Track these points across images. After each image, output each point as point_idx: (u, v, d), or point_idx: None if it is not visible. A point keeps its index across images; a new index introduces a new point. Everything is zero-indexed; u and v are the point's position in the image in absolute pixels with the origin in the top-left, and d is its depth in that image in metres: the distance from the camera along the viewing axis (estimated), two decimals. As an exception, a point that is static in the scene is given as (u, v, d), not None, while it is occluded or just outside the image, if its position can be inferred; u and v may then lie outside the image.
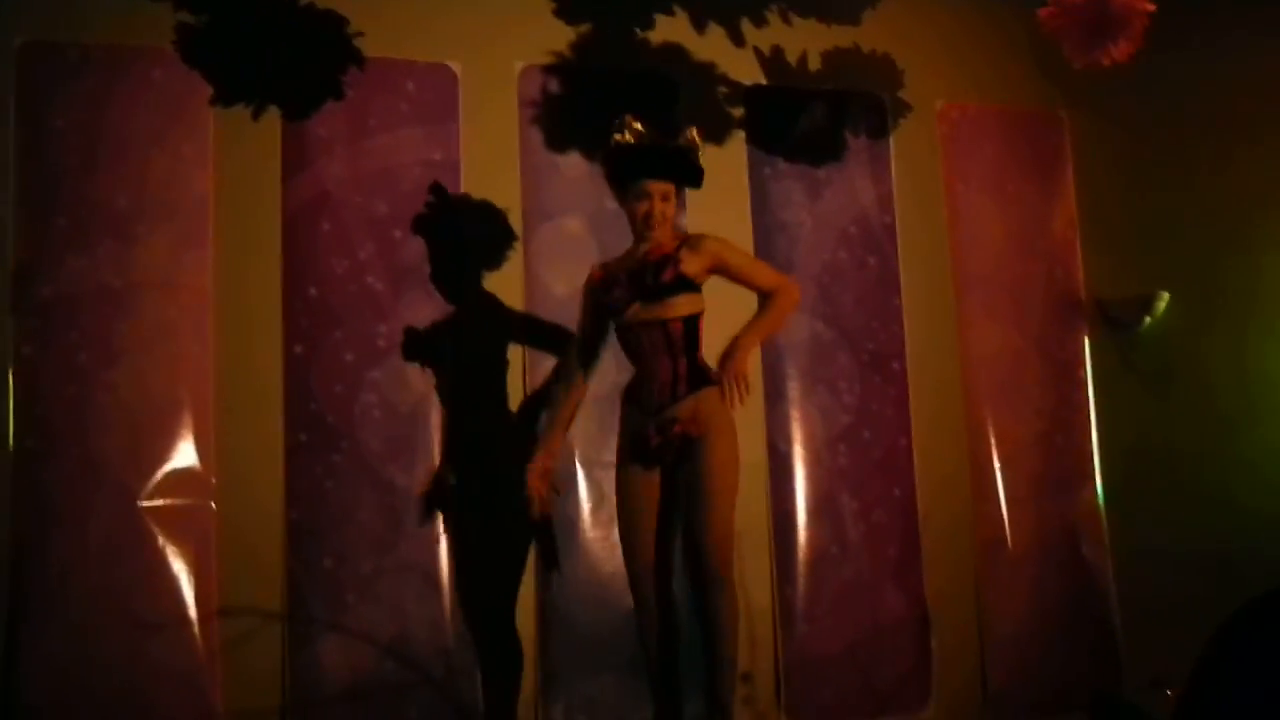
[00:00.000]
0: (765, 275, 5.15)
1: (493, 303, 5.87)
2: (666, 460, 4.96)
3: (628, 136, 4.96)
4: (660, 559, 5.04)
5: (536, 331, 5.46)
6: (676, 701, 5.10)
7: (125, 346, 5.36)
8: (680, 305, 4.97)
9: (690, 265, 4.93)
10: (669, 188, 5.03)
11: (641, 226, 5.01)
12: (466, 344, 5.78)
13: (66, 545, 5.22)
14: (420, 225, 5.50)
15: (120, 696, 5.20)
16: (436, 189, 5.49)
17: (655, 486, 5.03)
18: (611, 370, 5.66)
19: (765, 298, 5.06)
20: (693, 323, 4.99)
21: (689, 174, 5.10)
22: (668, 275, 4.92)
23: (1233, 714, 3.47)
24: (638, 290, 4.96)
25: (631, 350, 5.05)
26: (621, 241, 5.60)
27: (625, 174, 5.01)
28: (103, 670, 5.19)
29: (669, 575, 5.07)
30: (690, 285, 4.97)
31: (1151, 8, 5.35)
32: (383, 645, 5.56)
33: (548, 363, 5.86)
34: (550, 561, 5.81)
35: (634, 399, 5.06)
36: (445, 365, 5.29)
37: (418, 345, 5.43)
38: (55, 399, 5.29)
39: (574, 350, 5.28)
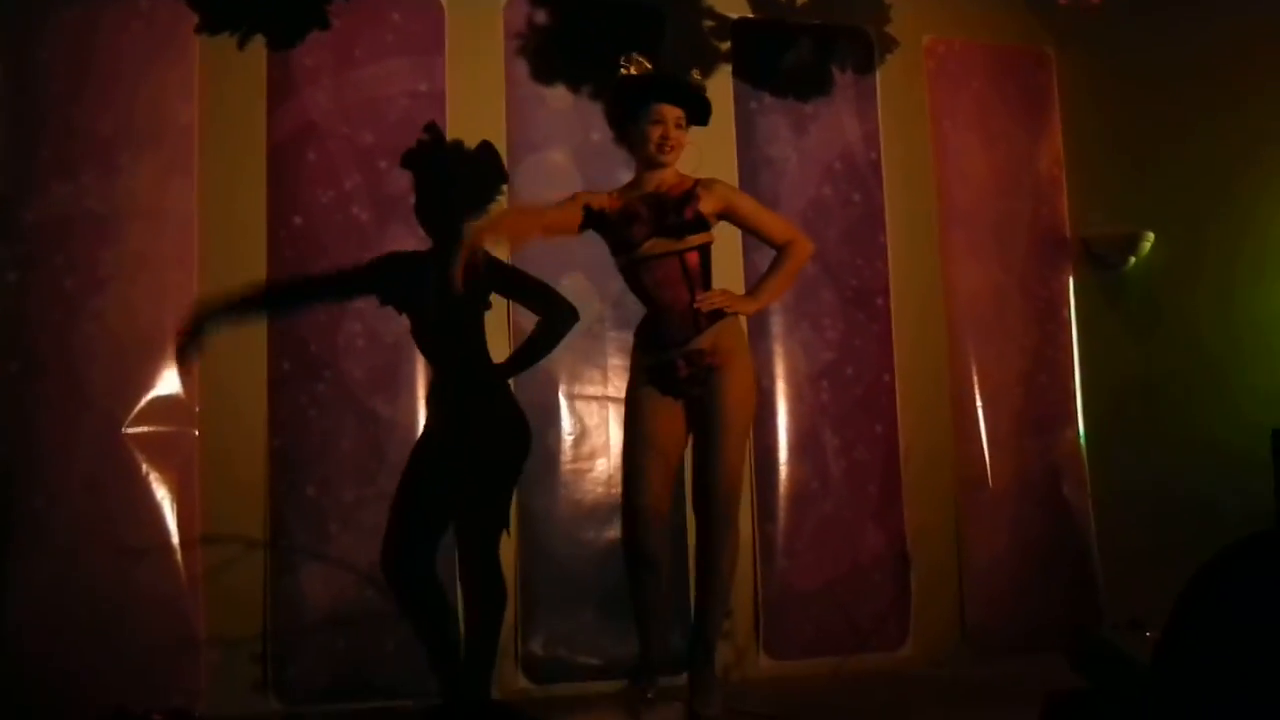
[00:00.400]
0: (778, 226, 5.12)
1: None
2: (694, 393, 4.84)
3: (634, 69, 4.92)
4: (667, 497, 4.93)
5: (519, 284, 5.25)
6: (665, 642, 5.07)
7: (111, 273, 5.38)
8: (694, 237, 4.87)
9: (705, 205, 4.87)
10: (681, 114, 4.91)
11: (654, 152, 4.87)
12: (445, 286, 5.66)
13: (51, 470, 5.27)
14: (408, 160, 5.35)
15: (103, 620, 5.24)
16: (430, 127, 5.34)
17: (680, 420, 4.90)
18: (595, 303, 5.72)
19: (779, 250, 5.03)
20: (706, 252, 4.92)
21: (698, 108, 5.00)
22: (690, 212, 4.84)
23: (1212, 657, 3.49)
24: (658, 227, 4.84)
25: (644, 284, 4.89)
26: (606, 175, 5.62)
27: (637, 100, 4.89)
28: (86, 594, 5.23)
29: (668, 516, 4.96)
30: (706, 225, 4.90)
31: (1141, -58, 5.36)
32: (363, 574, 5.56)
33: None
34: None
35: (651, 335, 4.92)
36: (423, 307, 5.11)
37: (393, 287, 5.23)
38: (41, 325, 5.32)
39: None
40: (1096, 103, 7.05)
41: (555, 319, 5.14)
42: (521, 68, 6.11)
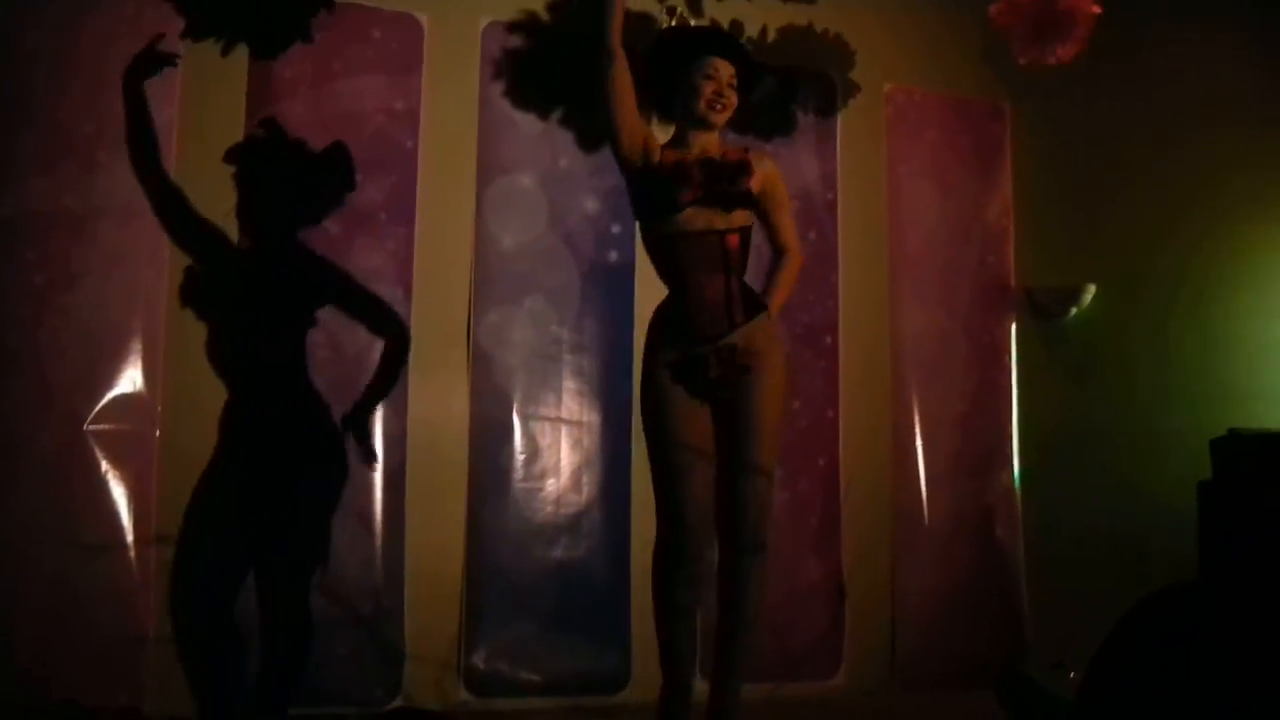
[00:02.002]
0: (791, 231, 4.92)
1: (304, 254, 5.53)
2: (723, 396, 4.52)
3: (676, 21, 4.82)
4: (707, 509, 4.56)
5: (350, 296, 5.23)
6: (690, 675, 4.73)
7: (82, 270, 5.38)
8: (739, 216, 4.60)
9: (754, 182, 4.64)
10: (734, 73, 4.65)
11: (704, 109, 4.60)
12: (262, 293, 5.32)
13: (12, 463, 5.26)
14: (232, 155, 5.30)
15: (55, 614, 5.24)
16: (266, 122, 5.27)
17: (708, 423, 4.55)
18: (553, 325, 5.82)
19: (779, 253, 4.88)
20: (747, 236, 4.65)
21: (748, 73, 4.74)
22: (746, 185, 4.59)
23: (1130, 700, 3.65)
24: (709, 193, 4.54)
25: (677, 262, 4.56)
26: (574, 202, 5.75)
27: (686, 54, 4.62)
28: (39, 587, 5.23)
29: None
30: (754, 202, 4.66)
31: (1098, 10, 5.52)
32: (314, 582, 5.54)
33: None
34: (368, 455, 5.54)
35: (675, 324, 4.58)
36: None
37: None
38: (9, 319, 5.32)
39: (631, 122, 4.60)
40: (1046, 157, 7.22)
41: (395, 345, 5.23)
42: (496, 90, 6.18)
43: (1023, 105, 7.22)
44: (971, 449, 6.99)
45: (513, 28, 6.22)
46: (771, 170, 4.75)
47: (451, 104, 6.09)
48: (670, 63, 4.68)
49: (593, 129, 5.93)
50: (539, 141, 6.18)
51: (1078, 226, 7.13)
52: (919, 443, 6.88)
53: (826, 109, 6.83)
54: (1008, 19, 5.66)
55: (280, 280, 4.81)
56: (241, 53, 5.76)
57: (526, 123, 6.20)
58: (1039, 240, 7.18)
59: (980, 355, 7.07)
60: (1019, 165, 7.25)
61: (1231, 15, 6.85)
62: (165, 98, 5.56)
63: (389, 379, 5.16)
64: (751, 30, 6.64)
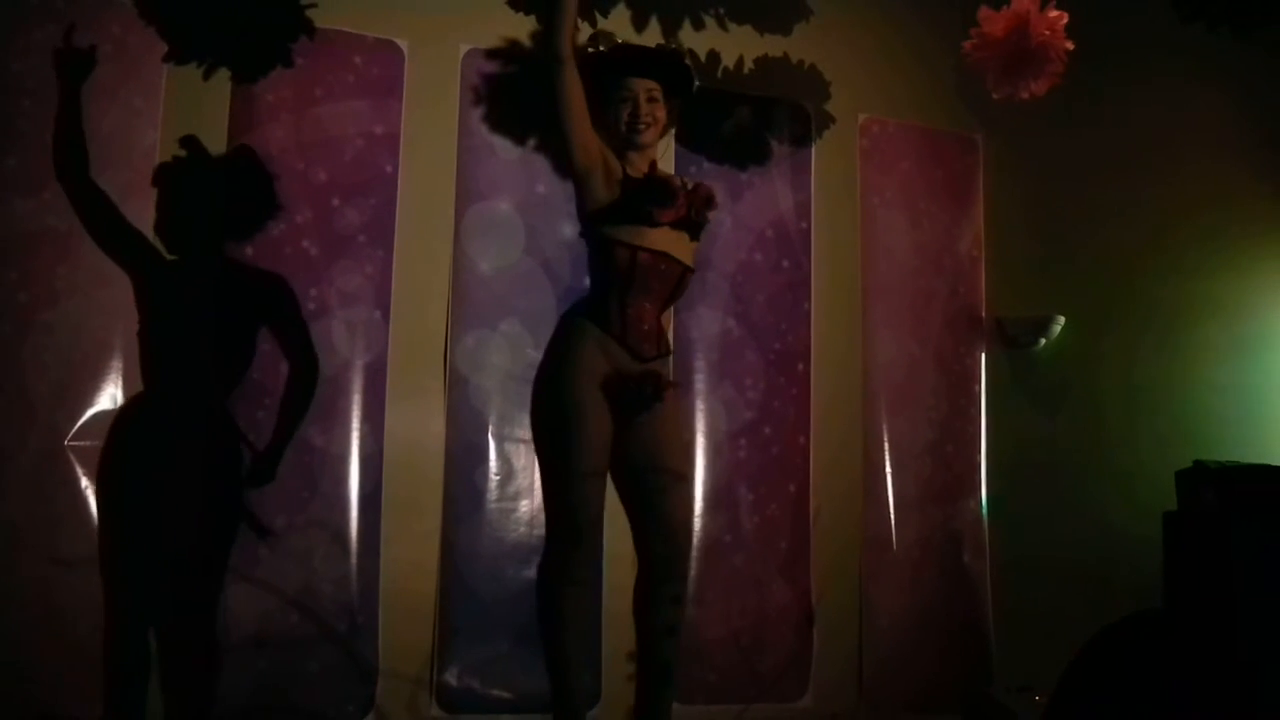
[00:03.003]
0: None
1: (232, 272, 5.26)
2: (639, 417, 4.45)
3: (602, 46, 4.81)
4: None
5: (287, 322, 5.09)
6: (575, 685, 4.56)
7: (64, 289, 5.43)
8: (693, 250, 4.62)
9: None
10: (655, 87, 4.57)
11: (627, 133, 4.55)
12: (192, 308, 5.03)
13: (-7, 477, 5.31)
14: (159, 176, 5.13)
15: (33, 629, 5.29)
16: (187, 140, 5.06)
17: (609, 441, 4.45)
18: (529, 350, 5.86)
19: None
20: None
21: (679, 79, 4.69)
22: (712, 214, 4.64)
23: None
24: (687, 219, 4.53)
25: (635, 277, 4.47)
26: (550, 227, 5.82)
27: (606, 76, 4.57)
28: (18, 602, 5.28)
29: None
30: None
31: (1070, 46, 5.61)
32: (290, 598, 5.68)
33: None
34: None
35: (612, 331, 4.47)
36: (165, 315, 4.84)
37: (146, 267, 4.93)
38: (-8, 336, 5.36)
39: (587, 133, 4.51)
40: (1018, 190, 7.30)
41: (304, 378, 5.06)
42: (475, 116, 6.24)
43: (995, 138, 7.29)
44: (940, 476, 7.04)
45: (492, 54, 6.28)
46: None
47: (431, 129, 6.16)
48: (595, 87, 4.57)
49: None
50: (517, 167, 6.24)
51: (1048, 258, 7.24)
52: (889, 469, 6.93)
53: (801, 139, 6.91)
54: (981, 53, 5.72)
55: (198, 299, 4.76)
56: (224, 77, 5.82)
57: (505, 148, 6.26)
58: (1009, 271, 7.25)
59: (950, 384, 7.13)
60: (991, 197, 7.31)
61: (1201, 52, 6.98)
62: (149, 121, 5.64)
63: (293, 419, 5.04)
64: (728, 60, 6.76)
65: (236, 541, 5.10)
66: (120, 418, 4.87)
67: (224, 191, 5.04)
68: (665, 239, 4.51)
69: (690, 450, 4.67)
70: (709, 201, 4.63)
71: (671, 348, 4.69)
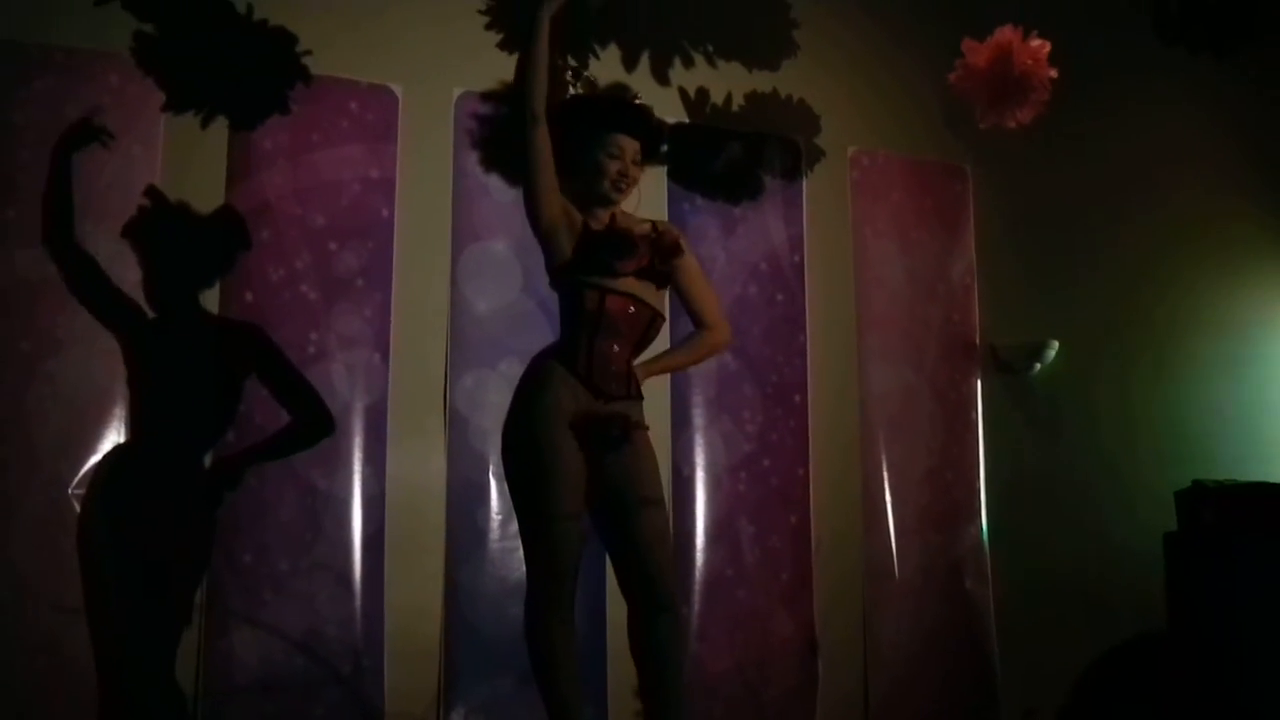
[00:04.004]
0: (712, 305, 4.81)
1: (213, 323, 5.13)
2: (609, 457, 4.39)
3: (581, 86, 4.76)
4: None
5: (286, 378, 4.92)
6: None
7: (66, 338, 5.46)
8: (661, 297, 4.60)
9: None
10: (639, 147, 4.55)
11: (609, 188, 4.52)
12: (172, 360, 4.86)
13: (-5, 527, 5.33)
14: (129, 230, 4.93)
15: (39, 676, 5.31)
16: (150, 191, 4.92)
17: (583, 474, 4.38)
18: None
19: (700, 328, 4.78)
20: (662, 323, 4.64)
21: (652, 138, 4.66)
22: (677, 261, 4.54)
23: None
24: (650, 269, 4.49)
25: (604, 319, 4.43)
26: (545, 268, 5.84)
27: (594, 126, 4.54)
28: (23, 650, 5.30)
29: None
30: (671, 280, 4.62)
31: (1054, 74, 5.67)
32: (294, 641, 5.70)
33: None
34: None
35: (578, 371, 4.41)
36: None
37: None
38: (-5, 386, 5.39)
39: (550, 198, 4.51)
40: (1008, 217, 7.34)
41: (312, 428, 4.89)
42: (469, 158, 6.28)
43: (984, 167, 7.34)
44: (940, 503, 7.05)
45: (485, 97, 6.33)
46: (684, 243, 4.65)
47: (426, 172, 6.20)
48: (574, 132, 4.57)
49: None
50: (512, 208, 6.18)
51: (1040, 284, 7.28)
52: (888, 497, 6.94)
53: (792, 173, 6.96)
54: (966, 84, 5.79)
55: (181, 348, 4.73)
56: (222, 125, 5.88)
57: (499, 189, 6.28)
58: (1002, 298, 7.29)
59: (947, 411, 7.15)
60: (981, 225, 7.35)
61: (1184, 75, 7.04)
62: (147, 168, 5.66)
63: (280, 448, 4.93)
64: (718, 97, 6.81)
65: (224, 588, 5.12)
66: (100, 468, 4.81)
67: (199, 246, 4.91)
68: (633, 284, 4.49)
69: (658, 477, 4.54)
70: (673, 249, 4.55)
71: (642, 392, 4.60)
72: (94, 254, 5.01)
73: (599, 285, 4.43)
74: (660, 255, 4.51)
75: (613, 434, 4.38)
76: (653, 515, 4.45)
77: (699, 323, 4.78)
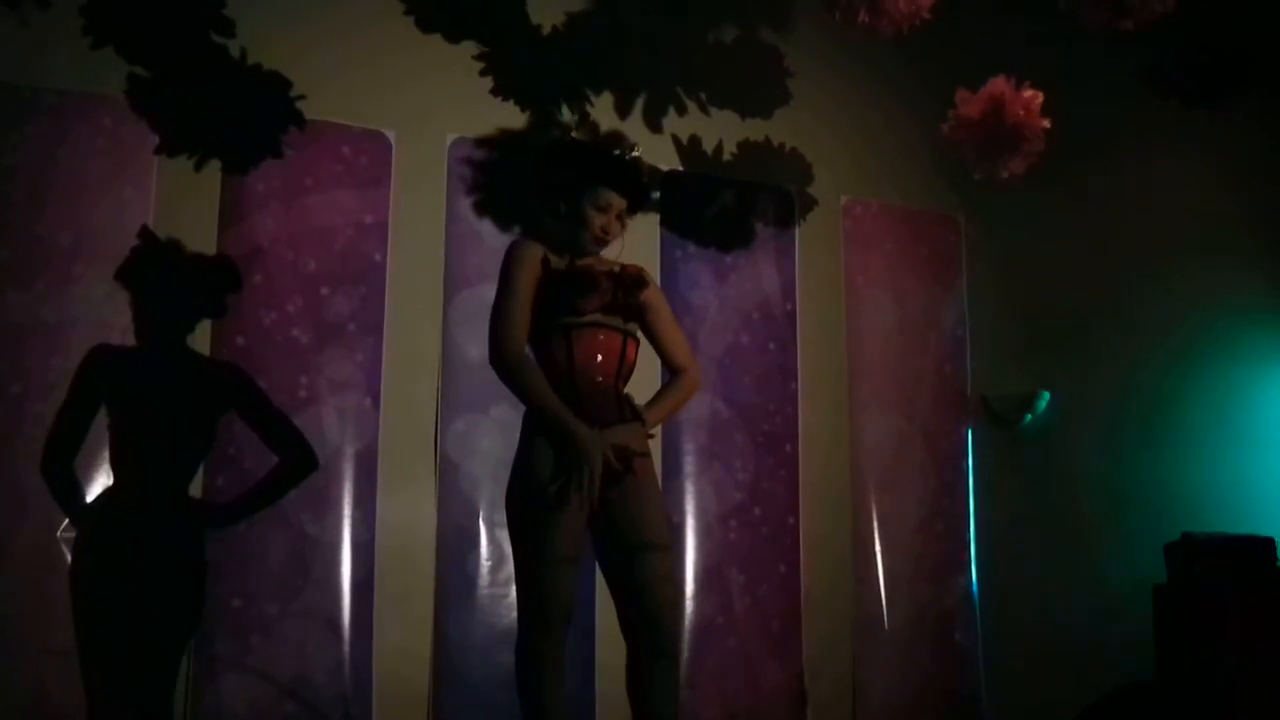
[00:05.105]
0: (684, 347, 4.80)
1: (200, 364, 4.97)
2: (608, 493, 4.35)
3: (582, 131, 4.80)
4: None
5: (265, 417, 4.81)
6: None
7: (56, 380, 5.34)
8: (633, 328, 4.59)
9: (645, 294, 4.58)
10: (625, 207, 4.55)
11: (589, 241, 4.51)
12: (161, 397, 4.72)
13: (-16, 570, 5.30)
14: (122, 274, 4.72)
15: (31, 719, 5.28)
16: (143, 233, 4.77)
17: (582, 526, 4.38)
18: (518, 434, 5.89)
19: (676, 373, 4.76)
20: (637, 349, 4.63)
21: (638, 195, 4.62)
22: (644, 296, 4.55)
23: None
24: (614, 301, 4.46)
25: (576, 351, 4.43)
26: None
27: (585, 176, 4.49)
28: (11, 693, 5.28)
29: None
30: (643, 314, 4.60)
31: (1047, 125, 5.69)
32: (282, 687, 5.67)
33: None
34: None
35: (570, 408, 4.36)
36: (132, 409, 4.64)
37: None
38: (-17, 429, 5.36)
39: (511, 331, 4.41)
40: (1000, 268, 7.39)
41: (296, 466, 4.79)
42: (462, 204, 6.30)
43: (976, 217, 7.38)
44: (930, 553, 7.06)
45: (479, 143, 6.36)
46: (655, 287, 4.67)
47: (419, 217, 6.22)
48: (565, 176, 4.57)
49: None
50: (503, 253, 6.27)
51: (1032, 335, 7.30)
52: (878, 548, 6.95)
53: (785, 221, 6.99)
54: (959, 134, 5.81)
55: (164, 389, 4.70)
56: (215, 168, 5.89)
57: (491, 235, 6.29)
58: (994, 348, 7.33)
59: (938, 461, 7.17)
60: (973, 275, 7.39)
61: (1179, 131, 7.05)
62: (140, 210, 5.65)
63: (271, 492, 4.82)
64: (711, 145, 6.83)
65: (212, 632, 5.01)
66: (87, 513, 4.68)
67: (190, 288, 4.76)
68: (600, 319, 4.48)
69: (668, 521, 4.53)
70: (637, 283, 4.54)
71: (641, 414, 4.58)
72: (85, 295, 5.01)
73: (562, 323, 4.44)
74: (624, 289, 4.50)
75: (613, 469, 4.34)
76: (656, 559, 4.42)
77: (675, 366, 4.80)
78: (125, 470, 4.59)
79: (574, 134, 4.91)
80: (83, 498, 4.76)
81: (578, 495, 4.30)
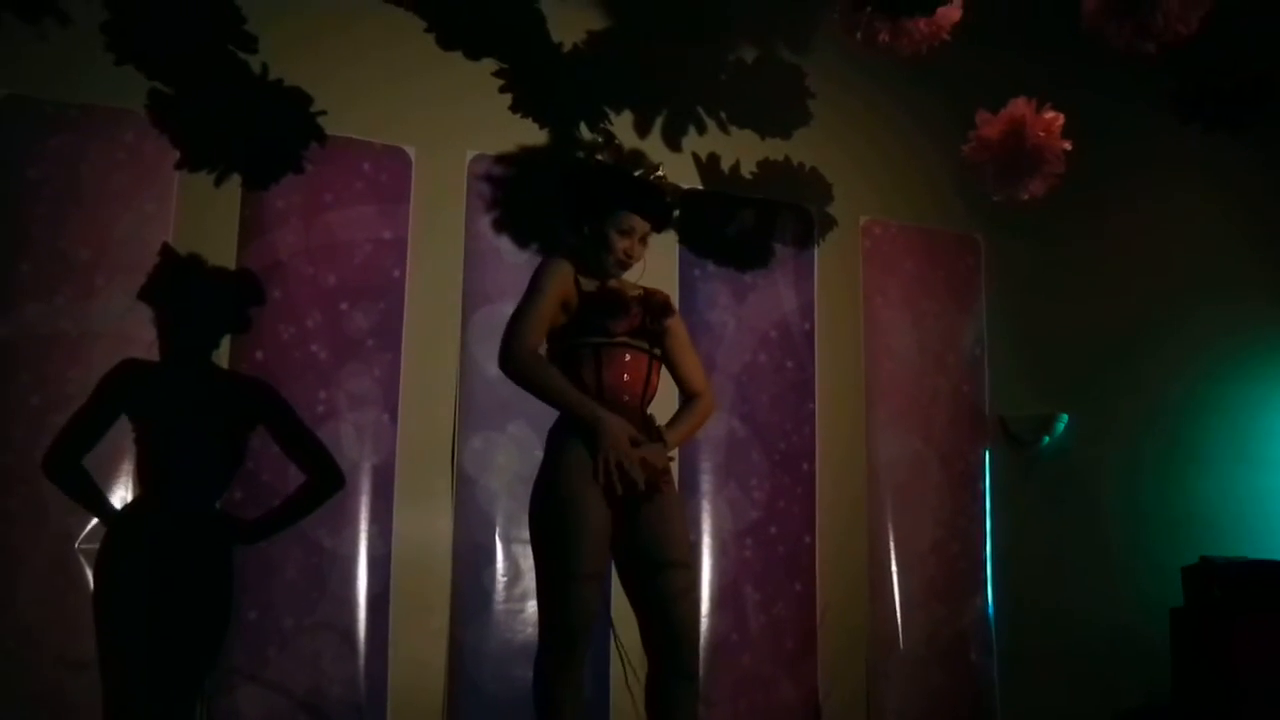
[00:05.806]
0: (700, 372, 4.82)
1: (226, 379, 5.04)
2: (640, 503, 4.38)
3: (609, 154, 4.75)
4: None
5: (295, 436, 4.88)
6: None
7: (76, 393, 5.35)
8: (657, 351, 4.64)
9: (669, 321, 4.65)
10: (648, 230, 4.59)
11: (612, 264, 4.55)
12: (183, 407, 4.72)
13: (7, 580, 5.35)
14: (145, 293, 4.75)
15: (39, 728, 5.27)
16: (164, 249, 4.77)
17: (609, 532, 4.39)
18: (536, 450, 5.89)
19: (690, 397, 4.78)
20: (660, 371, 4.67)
21: (661, 217, 4.65)
22: (669, 322, 4.62)
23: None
24: (641, 328, 4.51)
25: (606, 370, 4.47)
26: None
27: (610, 199, 4.52)
28: (29, 704, 5.30)
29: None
30: (664, 341, 4.64)
31: (1068, 146, 5.69)
32: (298, 700, 5.68)
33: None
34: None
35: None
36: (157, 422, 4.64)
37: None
38: (5, 440, 5.42)
39: (524, 331, 4.43)
40: (1019, 288, 7.37)
41: (323, 484, 4.85)
42: (481, 220, 6.32)
43: (996, 238, 7.38)
44: (946, 574, 7.05)
45: (498, 160, 6.38)
46: (673, 307, 4.72)
47: (438, 234, 6.23)
48: (589, 197, 4.59)
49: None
50: (524, 270, 6.12)
51: (1050, 356, 7.30)
52: (894, 567, 6.94)
53: (804, 241, 7.00)
54: (979, 156, 5.82)
55: (191, 403, 4.71)
56: (235, 183, 5.92)
57: (511, 252, 6.32)
58: (1012, 369, 7.32)
59: (955, 482, 7.15)
60: (992, 296, 7.38)
61: (1200, 154, 7.06)
62: (161, 225, 5.68)
63: (300, 510, 4.90)
64: (730, 164, 6.84)
65: (229, 644, 5.03)
66: (115, 525, 4.67)
67: (213, 302, 4.79)
68: (637, 340, 4.54)
69: (688, 543, 4.53)
70: (664, 309, 4.62)
71: (664, 435, 4.58)
72: (106, 309, 5.02)
73: (591, 341, 4.48)
74: (652, 314, 4.56)
75: (641, 489, 4.35)
76: (679, 576, 4.42)
77: (691, 391, 4.81)
78: (154, 484, 4.60)
79: (599, 155, 4.88)
80: (107, 499, 4.79)
81: (619, 475, 4.31)
